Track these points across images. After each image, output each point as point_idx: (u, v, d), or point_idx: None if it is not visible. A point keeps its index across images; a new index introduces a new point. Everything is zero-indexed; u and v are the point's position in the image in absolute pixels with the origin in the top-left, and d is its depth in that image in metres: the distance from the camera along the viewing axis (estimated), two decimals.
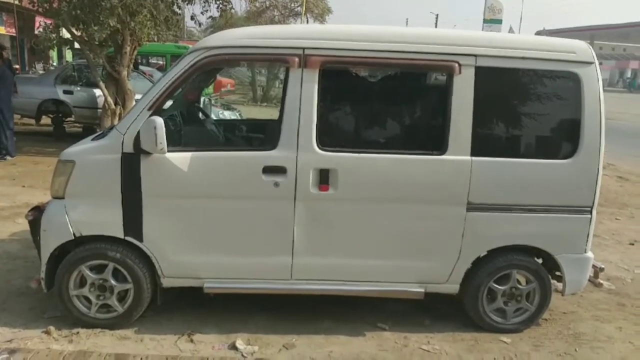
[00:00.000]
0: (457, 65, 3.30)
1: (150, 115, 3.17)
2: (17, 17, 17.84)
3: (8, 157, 8.58)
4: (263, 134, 4.48)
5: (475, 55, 3.33)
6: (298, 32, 3.52)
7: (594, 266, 3.74)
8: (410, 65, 3.38)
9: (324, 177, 3.31)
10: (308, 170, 3.29)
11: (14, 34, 20.12)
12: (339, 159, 3.32)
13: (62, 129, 10.74)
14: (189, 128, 3.92)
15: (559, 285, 3.69)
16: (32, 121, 10.31)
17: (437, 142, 3.38)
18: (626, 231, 6.36)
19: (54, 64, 22.72)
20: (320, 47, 3.28)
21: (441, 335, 3.62)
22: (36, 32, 16.59)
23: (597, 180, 3.45)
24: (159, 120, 3.08)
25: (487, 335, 3.64)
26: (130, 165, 3.23)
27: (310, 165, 3.29)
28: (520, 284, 3.63)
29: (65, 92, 10.21)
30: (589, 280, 3.74)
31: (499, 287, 3.60)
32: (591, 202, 3.47)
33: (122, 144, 3.22)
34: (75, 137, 4.26)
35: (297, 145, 3.27)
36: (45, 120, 10.71)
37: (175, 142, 3.40)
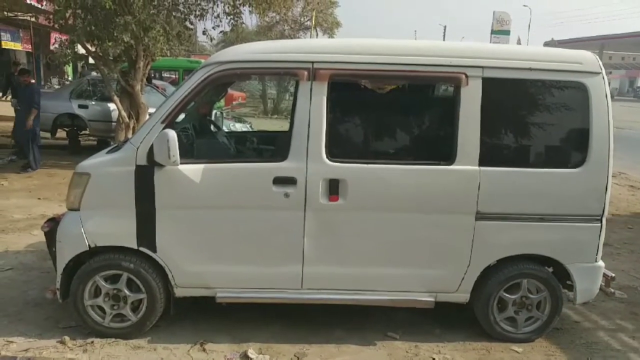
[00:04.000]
0: (464, 76, 3.35)
1: (164, 129, 3.25)
2: (33, 34, 18.25)
3: (30, 170, 8.84)
4: (273, 146, 4.55)
5: (482, 67, 3.37)
6: (307, 46, 3.59)
7: (605, 275, 3.72)
8: (417, 77, 3.43)
9: (333, 188, 3.35)
10: (318, 181, 3.34)
11: (30, 50, 20.56)
12: (348, 170, 3.36)
13: (77, 142, 10.94)
14: (201, 140, 4.00)
15: (571, 294, 3.69)
16: (48, 135, 10.50)
17: (445, 153, 3.41)
18: (638, 240, 6.31)
19: (70, 78, 23.12)
20: (329, 61, 3.35)
21: (452, 345, 3.63)
22: (52, 47, 16.97)
23: (606, 189, 3.46)
24: (172, 133, 3.16)
25: (498, 344, 3.64)
26: (144, 177, 3.31)
27: (319, 175, 3.34)
28: (531, 293, 3.63)
29: (80, 106, 10.42)
30: (601, 289, 3.72)
31: (510, 296, 3.60)
32: (601, 210, 3.48)
33: (136, 157, 3.30)
34: (90, 150, 4.36)
35: (306, 156, 3.33)
36: (61, 133, 10.91)
37: (188, 154, 3.48)
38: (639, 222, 7.13)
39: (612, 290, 3.83)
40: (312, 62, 3.33)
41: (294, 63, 3.37)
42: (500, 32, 34.09)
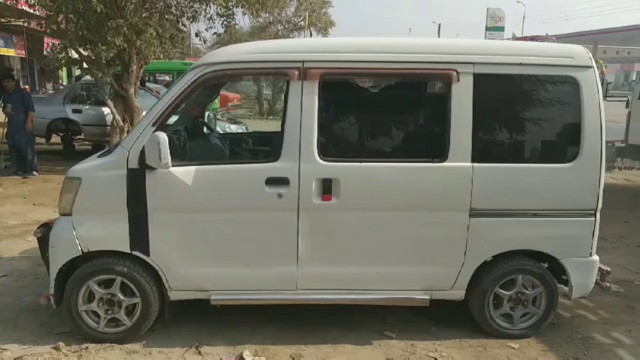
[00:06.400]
0: (455, 73, 3.34)
1: (154, 131, 3.23)
2: (26, 39, 18.18)
3: (35, 173, 8.91)
4: (266, 147, 4.53)
5: (473, 63, 3.36)
6: (297, 46, 3.58)
7: (600, 269, 3.72)
8: (408, 74, 3.43)
9: (326, 187, 3.34)
10: (310, 181, 3.33)
11: (24, 56, 20.48)
12: (341, 169, 3.35)
13: (72, 147, 10.92)
14: (193, 143, 3.98)
15: (566, 289, 3.68)
16: (42, 140, 10.47)
17: (437, 150, 3.41)
18: (634, 234, 6.31)
19: (64, 83, 23.06)
20: (319, 60, 3.33)
21: (448, 342, 3.62)
22: (45, 53, 16.89)
23: (599, 183, 3.45)
24: (163, 136, 3.14)
25: (494, 341, 3.63)
26: (136, 180, 3.29)
27: (312, 175, 3.33)
28: (526, 288, 3.62)
29: (74, 111, 10.40)
30: (596, 284, 3.72)
31: (505, 293, 3.60)
32: (594, 205, 3.48)
33: (127, 160, 3.28)
34: (85, 155, 4.34)
35: (299, 156, 3.31)
36: (55, 139, 10.88)
37: (180, 156, 3.46)
38: (635, 216, 7.14)
39: (608, 284, 3.83)
40: (303, 62, 3.32)
41: (284, 63, 3.36)
42: (494, 28, 34.19)
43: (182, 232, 3.38)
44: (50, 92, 18.37)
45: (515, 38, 19.73)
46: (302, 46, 3.58)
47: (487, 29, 34.31)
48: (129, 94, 9.03)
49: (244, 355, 3.36)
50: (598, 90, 3.44)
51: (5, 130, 9.02)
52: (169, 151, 3.14)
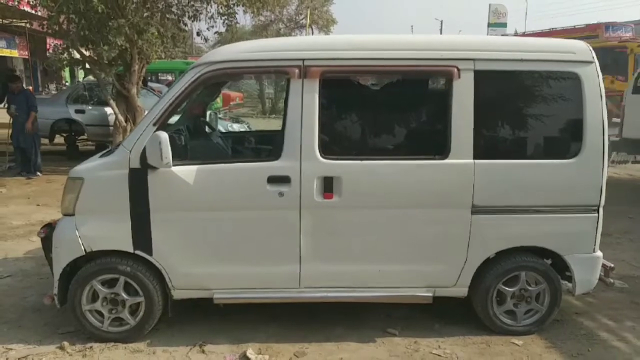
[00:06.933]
0: (455, 69, 3.33)
1: (156, 131, 3.23)
2: (29, 40, 18.25)
3: (39, 174, 8.98)
4: (267, 145, 4.53)
5: (473, 60, 3.35)
6: (297, 44, 3.57)
7: (604, 265, 3.71)
8: (408, 71, 3.42)
9: (327, 185, 3.34)
10: (312, 179, 3.32)
11: (27, 57, 20.56)
12: (342, 167, 3.35)
13: (75, 147, 10.95)
14: (194, 142, 3.98)
15: (570, 286, 3.67)
16: (46, 141, 10.51)
17: (439, 147, 3.40)
18: (638, 229, 6.27)
19: (67, 83, 23.12)
20: (320, 58, 3.33)
21: (452, 339, 3.61)
22: (48, 53, 16.96)
23: (602, 179, 3.44)
24: (164, 135, 3.14)
25: (498, 338, 3.62)
26: (138, 180, 3.29)
27: (313, 173, 3.32)
28: (529, 285, 3.61)
29: (77, 111, 10.44)
30: (600, 280, 3.71)
31: (508, 289, 3.59)
32: (597, 200, 3.46)
33: (129, 160, 3.29)
34: (88, 155, 4.35)
35: (300, 154, 3.31)
36: (59, 139, 10.91)
37: (181, 156, 3.46)
38: (639, 212, 7.10)
39: (612, 280, 3.81)
40: (303, 60, 3.31)
41: (284, 61, 3.36)
42: (497, 24, 34.06)
43: (184, 231, 3.39)
44: (54, 92, 18.42)
45: (587, 25, 19.06)
46: (302, 44, 3.57)
47: (490, 25, 34.19)
48: (131, 94, 9.05)
49: (248, 354, 3.37)
50: (600, 85, 3.42)
51: (10, 132, 9.07)
52: (170, 150, 3.15)
